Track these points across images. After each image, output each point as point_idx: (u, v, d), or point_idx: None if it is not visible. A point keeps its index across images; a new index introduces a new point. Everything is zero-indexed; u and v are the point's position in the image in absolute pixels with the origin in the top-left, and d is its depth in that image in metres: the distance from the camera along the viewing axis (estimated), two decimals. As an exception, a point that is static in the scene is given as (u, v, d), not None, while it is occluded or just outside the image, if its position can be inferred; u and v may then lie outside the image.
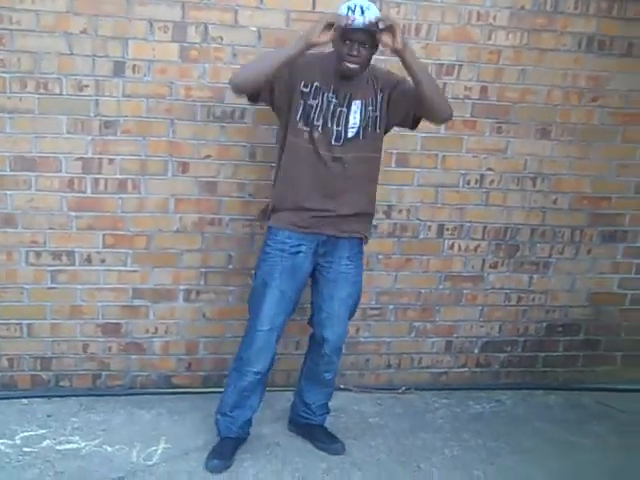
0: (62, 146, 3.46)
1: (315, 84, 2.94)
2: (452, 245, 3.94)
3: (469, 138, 3.82)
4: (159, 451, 3.32)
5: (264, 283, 3.06)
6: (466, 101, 3.76)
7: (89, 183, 3.52)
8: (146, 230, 3.64)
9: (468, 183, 3.86)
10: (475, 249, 3.98)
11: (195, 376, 3.89)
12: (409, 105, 3.02)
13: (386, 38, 2.75)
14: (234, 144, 3.61)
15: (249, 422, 3.28)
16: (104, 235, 3.60)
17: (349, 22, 2.73)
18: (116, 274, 3.66)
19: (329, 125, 2.95)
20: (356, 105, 2.97)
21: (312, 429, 3.43)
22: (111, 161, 3.52)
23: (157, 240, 3.67)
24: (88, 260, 3.62)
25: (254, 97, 2.97)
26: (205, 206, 3.66)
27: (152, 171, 3.57)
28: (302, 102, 2.94)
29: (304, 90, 2.94)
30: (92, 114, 3.46)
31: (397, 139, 3.63)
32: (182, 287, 3.75)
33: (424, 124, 3.19)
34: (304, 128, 2.95)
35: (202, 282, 3.76)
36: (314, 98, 2.94)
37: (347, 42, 2.81)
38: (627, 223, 4.11)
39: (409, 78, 2.92)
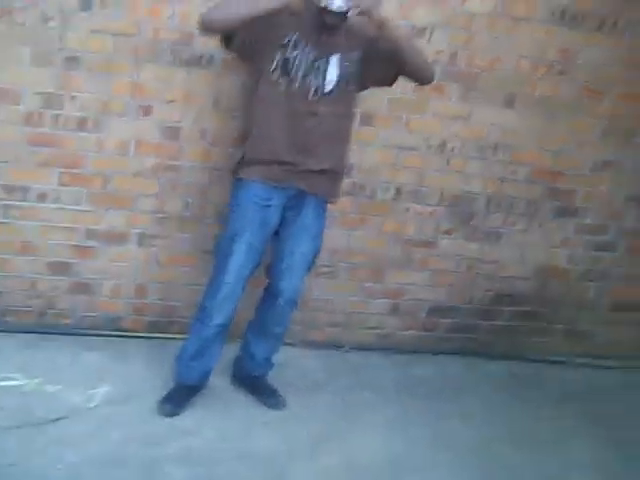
0: (23, 79, 3.36)
1: (295, 35, 2.89)
2: (408, 208, 3.95)
3: (435, 103, 3.81)
4: (100, 394, 3.31)
5: (233, 235, 3.05)
6: (435, 65, 3.73)
7: (49, 119, 3.43)
8: (104, 171, 3.58)
9: (430, 147, 3.87)
10: (430, 214, 4.01)
11: (143, 321, 3.87)
12: (387, 66, 3.00)
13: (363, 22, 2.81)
14: (199, 90, 3.55)
15: (208, 373, 3.30)
16: (60, 173, 3.53)
17: (327, 3, 2.74)
18: (70, 213, 3.60)
19: (308, 78, 2.91)
20: (334, 59, 2.94)
21: (254, 381, 3.45)
22: (73, 98, 3.44)
23: (114, 182, 3.61)
24: (42, 197, 3.55)
25: (227, 41, 2.88)
26: (166, 151, 3.61)
27: (114, 111, 3.50)
28: (280, 53, 2.89)
29: (284, 41, 2.88)
30: (56, 48, 3.35)
31: (363, 98, 3.59)
32: (136, 231, 3.71)
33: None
34: (280, 80, 2.91)
35: (157, 227, 3.72)
36: (294, 49, 2.89)
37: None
38: (580, 199, 4.16)
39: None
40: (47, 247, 3.64)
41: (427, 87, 3.57)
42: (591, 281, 4.37)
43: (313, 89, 2.92)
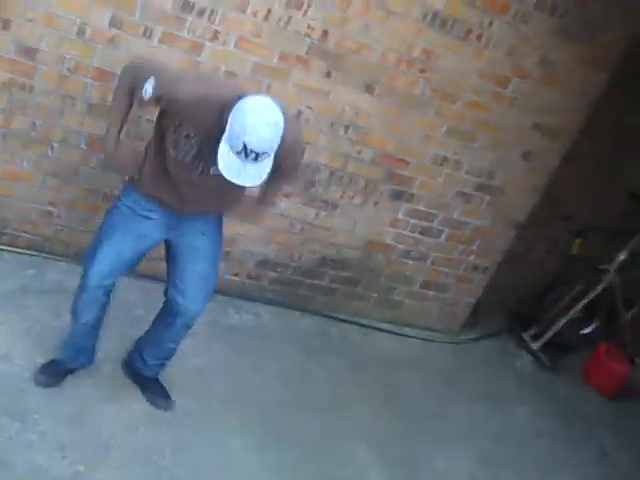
0: None
1: (191, 128, 2.71)
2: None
3: (297, 74, 3.91)
4: None
5: (103, 236, 2.98)
6: (306, 39, 3.82)
7: None
8: (-51, 77, 3.48)
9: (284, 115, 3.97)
10: (275, 177, 4.15)
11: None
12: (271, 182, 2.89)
13: None
14: (63, 15, 3.47)
15: (86, 358, 3.33)
16: None
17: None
18: None
19: (196, 162, 2.78)
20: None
21: (144, 380, 3.44)
22: None
23: (-41, 89, 3.52)
24: None
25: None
26: (20, 69, 3.54)
27: (-31, 19, 3.37)
28: (172, 129, 2.74)
29: (177, 126, 2.73)
30: None
31: (230, 59, 3.67)
32: (-23, 142, 3.65)
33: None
34: (171, 146, 2.79)
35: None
36: (185, 138, 2.73)
37: None
38: (416, 187, 4.45)
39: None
40: None
41: (292, 57, 3.74)
42: (410, 259, 4.71)
43: (200, 169, 2.79)
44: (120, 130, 2.89)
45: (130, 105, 2.85)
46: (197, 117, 2.67)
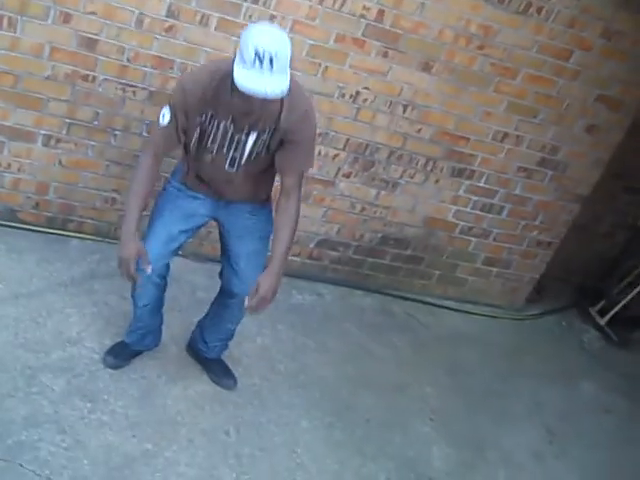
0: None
1: (209, 113, 2.77)
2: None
3: (354, 55, 3.90)
4: (-10, 291, 3.44)
5: (153, 218, 3.04)
6: (361, 20, 3.81)
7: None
8: (15, 70, 3.58)
9: (343, 96, 3.99)
10: (334, 157, 4.18)
11: (41, 215, 3.99)
12: (284, 156, 2.90)
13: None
14: (121, 7, 3.54)
15: (151, 341, 3.42)
16: (-30, 67, 3.52)
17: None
18: (-24, 109, 3.61)
19: (224, 151, 2.84)
20: (254, 135, 2.80)
21: (208, 361, 3.50)
22: (-10, -5, 3.39)
23: (25, 82, 3.62)
24: (-51, 89, 3.54)
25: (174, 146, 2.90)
26: (81, 60, 3.62)
27: (32, 13, 3.46)
28: (199, 129, 2.82)
29: (199, 119, 2.79)
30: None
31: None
32: (43, 132, 3.76)
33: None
34: (198, 153, 2.91)
35: (64, 131, 3.78)
36: (209, 125, 2.79)
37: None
38: (477, 164, 4.41)
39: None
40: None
41: (348, 39, 3.76)
42: (472, 236, 4.68)
43: (230, 160, 2.86)
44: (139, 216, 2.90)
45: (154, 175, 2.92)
46: (213, 98, 2.71)
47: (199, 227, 3.17)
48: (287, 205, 2.91)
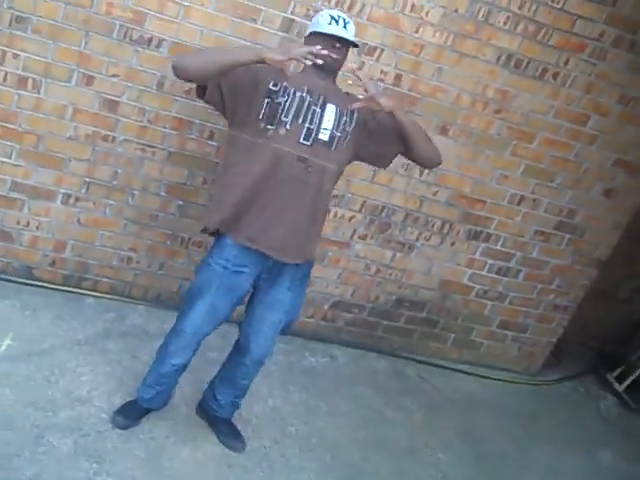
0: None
1: (284, 83, 2.80)
2: (330, 210, 4.12)
3: (372, 119, 3.93)
4: (2, 347, 3.46)
5: (199, 290, 2.99)
6: (379, 83, 3.85)
7: (-11, 72, 3.47)
8: (38, 130, 3.65)
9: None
10: (350, 219, 4.20)
11: (57, 273, 4.01)
12: (388, 146, 3.02)
13: (373, 104, 2.84)
14: (144, 70, 3.61)
15: (166, 399, 3.38)
16: (-6, 125, 3.59)
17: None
18: (-1, 165, 3.68)
19: (299, 121, 2.80)
20: (331, 108, 2.85)
21: (218, 421, 3.45)
22: (16, 56, 3.47)
23: (47, 142, 3.69)
24: (-28, 147, 3.61)
25: (201, 90, 2.85)
26: (102, 121, 3.69)
27: (55, 76, 3.55)
28: (269, 100, 2.79)
29: (272, 88, 2.80)
30: (5, 5, 3.36)
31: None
32: (62, 190, 3.81)
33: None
34: (268, 127, 2.80)
35: (83, 190, 3.83)
36: (283, 96, 2.79)
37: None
38: (493, 227, 4.40)
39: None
40: (-28, 193, 3.72)
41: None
42: (488, 300, 4.65)
43: (305, 132, 2.81)
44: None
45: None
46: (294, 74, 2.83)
47: (243, 298, 3.11)
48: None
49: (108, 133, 3.72)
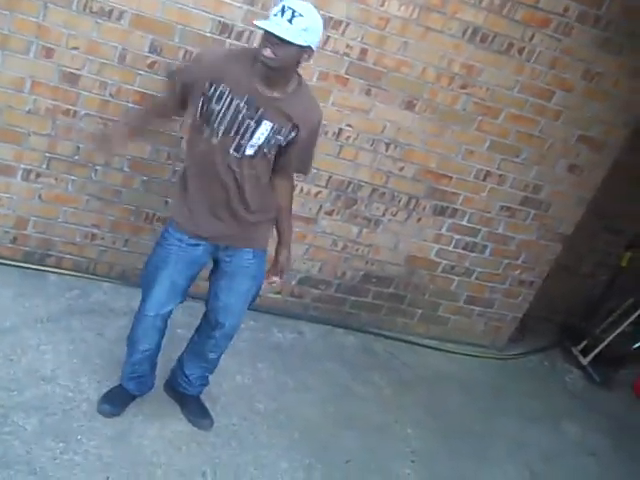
0: None
1: (222, 87, 2.72)
2: (296, 186, 4.06)
3: (338, 93, 3.92)
4: (-38, 325, 3.38)
5: (156, 268, 2.99)
6: (345, 58, 3.83)
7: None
8: (-5, 103, 3.56)
9: (326, 133, 3.98)
10: (316, 194, 4.17)
11: (18, 250, 3.94)
12: (288, 155, 2.96)
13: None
14: (105, 42, 3.54)
15: (147, 386, 3.35)
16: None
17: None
18: (-45, 141, 3.59)
19: (231, 134, 2.77)
20: (266, 126, 2.77)
21: (186, 398, 3.43)
22: (-29, 28, 3.38)
23: (6, 116, 3.61)
24: None
25: (178, 109, 3.00)
26: (62, 95, 3.61)
27: (13, 47, 3.46)
28: (204, 99, 2.76)
29: (209, 91, 2.74)
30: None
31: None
32: (23, 166, 3.73)
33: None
34: (204, 126, 2.80)
35: (44, 166, 3.76)
36: (217, 102, 2.73)
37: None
38: (459, 202, 4.41)
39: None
40: None
41: (331, 77, 3.79)
42: (455, 275, 4.66)
43: (234, 145, 2.78)
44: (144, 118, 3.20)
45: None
46: (230, 70, 2.74)
47: (200, 270, 3.11)
48: (282, 182, 3.03)
49: (69, 107, 3.64)
